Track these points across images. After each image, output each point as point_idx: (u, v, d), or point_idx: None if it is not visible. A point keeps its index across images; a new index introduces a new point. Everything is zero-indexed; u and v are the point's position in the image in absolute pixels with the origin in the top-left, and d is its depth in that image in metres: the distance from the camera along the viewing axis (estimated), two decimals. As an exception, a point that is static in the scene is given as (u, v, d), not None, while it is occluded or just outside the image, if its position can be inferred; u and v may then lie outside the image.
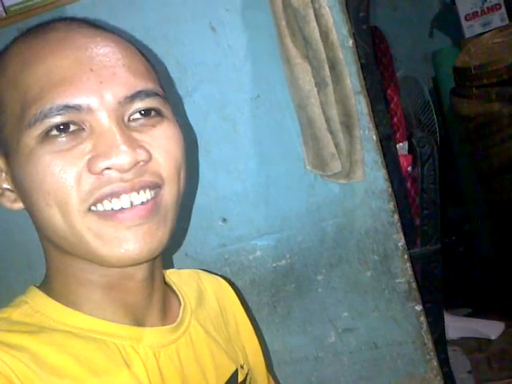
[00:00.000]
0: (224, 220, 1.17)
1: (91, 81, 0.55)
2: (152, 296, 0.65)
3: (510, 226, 2.56)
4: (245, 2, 1.08)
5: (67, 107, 0.54)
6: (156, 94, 0.60)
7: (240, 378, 0.71)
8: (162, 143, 0.58)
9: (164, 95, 0.62)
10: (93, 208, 0.55)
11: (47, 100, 0.54)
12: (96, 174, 0.54)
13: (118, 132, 0.55)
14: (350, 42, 1.06)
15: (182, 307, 0.70)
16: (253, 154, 1.13)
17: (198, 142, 1.14)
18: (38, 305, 0.60)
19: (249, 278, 1.17)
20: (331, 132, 1.04)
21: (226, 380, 0.69)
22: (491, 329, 2.27)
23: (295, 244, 1.15)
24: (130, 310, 0.63)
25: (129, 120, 0.58)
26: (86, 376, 0.55)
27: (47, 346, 0.55)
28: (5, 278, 1.17)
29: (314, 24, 1.00)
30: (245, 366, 0.74)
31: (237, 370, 0.71)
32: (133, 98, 0.57)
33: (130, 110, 0.58)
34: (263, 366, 0.81)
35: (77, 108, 0.54)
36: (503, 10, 2.59)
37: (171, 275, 0.76)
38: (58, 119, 0.54)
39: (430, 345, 1.14)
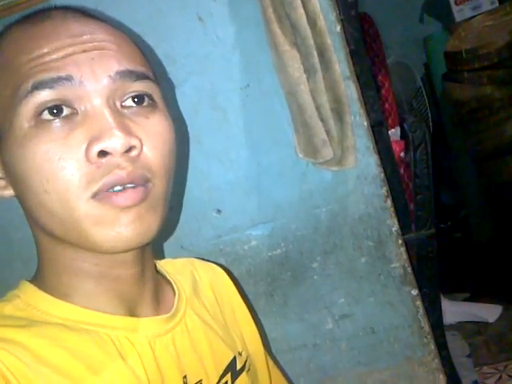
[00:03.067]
0: (218, 211, 1.17)
1: (83, 58, 0.56)
2: (144, 285, 0.65)
3: (506, 209, 2.57)
4: (231, -9, 1.08)
5: (58, 78, 0.54)
6: (147, 77, 0.60)
7: (238, 366, 0.71)
8: (152, 138, 0.58)
9: (155, 80, 0.62)
10: (95, 196, 0.55)
11: (39, 74, 0.54)
12: (94, 163, 0.54)
13: (109, 115, 0.55)
14: (338, 27, 1.06)
15: (176, 296, 0.70)
16: (244, 144, 1.13)
17: (190, 133, 1.14)
18: (29, 298, 0.60)
19: (245, 268, 1.17)
20: (322, 119, 1.04)
21: (224, 368, 0.69)
22: (489, 312, 2.29)
23: (289, 232, 1.15)
24: (123, 300, 0.63)
25: (122, 107, 0.58)
26: (80, 369, 0.54)
27: (39, 339, 0.55)
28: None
29: (301, 10, 1.00)
30: (243, 353, 0.74)
31: (235, 358, 0.71)
32: (123, 75, 0.57)
33: (122, 93, 0.58)
34: (262, 352, 0.82)
35: (68, 79, 0.54)
36: (493, -8, 2.58)
37: (165, 265, 0.76)
38: (48, 93, 0.54)
39: (427, 328, 1.15)
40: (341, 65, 1.04)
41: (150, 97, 0.60)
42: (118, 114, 0.57)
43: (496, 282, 2.46)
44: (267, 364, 0.83)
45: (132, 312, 0.63)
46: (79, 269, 0.60)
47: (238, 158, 1.14)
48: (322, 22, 1.02)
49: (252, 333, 0.81)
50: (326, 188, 1.12)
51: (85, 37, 0.57)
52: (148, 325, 0.63)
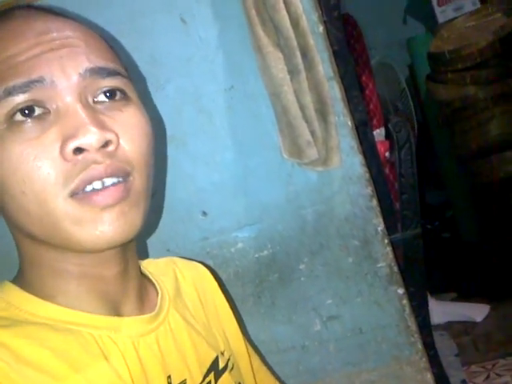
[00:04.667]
0: (204, 213, 1.16)
1: (52, 57, 0.55)
2: (127, 285, 0.64)
3: (492, 209, 2.58)
4: (214, -8, 1.08)
5: (30, 82, 0.54)
6: (118, 73, 0.59)
7: (221, 365, 0.71)
8: (129, 130, 0.58)
9: (127, 76, 0.61)
10: (73, 195, 0.54)
11: (10, 79, 0.54)
12: (70, 161, 0.54)
13: (83, 112, 0.55)
14: (321, 28, 1.06)
15: (159, 296, 0.69)
16: (229, 145, 1.13)
17: (174, 135, 1.13)
18: (12, 299, 0.59)
19: (232, 270, 1.17)
20: (306, 120, 1.04)
21: (207, 367, 0.69)
22: (476, 312, 2.30)
23: (276, 234, 1.15)
24: (107, 299, 0.62)
25: (94, 102, 0.57)
26: (63, 368, 0.54)
27: (22, 339, 0.54)
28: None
29: (283, 12, 1.00)
30: (225, 353, 0.74)
31: (217, 357, 0.71)
32: (93, 72, 0.57)
33: (93, 89, 0.57)
34: (245, 351, 0.81)
35: (40, 81, 0.54)
36: (474, -7, 2.61)
37: (148, 265, 0.75)
38: (21, 97, 0.54)
39: (414, 327, 1.15)
40: (324, 65, 1.05)
41: (123, 91, 0.60)
42: (91, 109, 0.56)
43: (483, 281, 2.48)
44: (251, 363, 0.82)
45: (116, 311, 0.63)
46: (62, 269, 0.60)
47: (223, 160, 1.14)
48: (304, 23, 1.02)
49: (235, 332, 0.81)
50: (312, 189, 1.12)
51: (51, 34, 0.57)
52: (131, 324, 0.62)
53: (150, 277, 0.73)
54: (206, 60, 1.11)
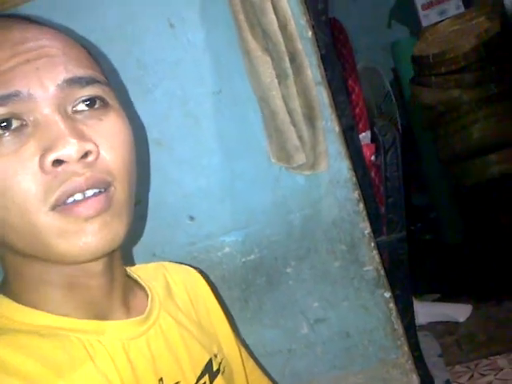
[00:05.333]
0: (191, 218, 1.16)
1: (28, 69, 0.54)
2: (113, 293, 0.64)
3: (474, 211, 2.62)
4: (202, -3, 1.07)
5: (6, 96, 0.53)
6: (97, 81, 0.58)
7: (214, 367, 0.71)
8: (109, 140, 0.57)
9: (107, 83, 0.60)
10: (54, 207, 0.54)
11: None
12: (49, 173, 0.53)
13: (61, 123, 0.54)
14: (309, 33, 1.07)
15: (149, 300, 0.69)
16: (217, 149, 1.13)
17: (161, 139, 1.13)
18: None
19: (219, 275, 1.17)
20: (294, 124, 1.04)
21: (201, 369, 0.69)
22: (459, 312, 2.33)
23: (263, 238, 1.15)
24: (93, 306, 0.62)
25: (73, 112, 0.57)
26: (48, 376, 0.53)
27: (9, 348, 0.54)
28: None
29: (272, 16, 1.00)
30: (218, 355, 0.74)
31: (211, 359, 0.71)
32: (72, 82, 0.56)
33: (72, 99, 0.56)
34: (237, 353, 0.81)
35: (16, 94, 0.53)
36: (458, -3, 2.64)
37: (137, 270, 0.75)
38: None
39: (401, 330, 1.16)
40: (312, 70, 1.05)
41: (102, 99, 0.59)
42: (70, 119, 0.55)
43: (466, 282, 2.51)
44: (243, 365, 0.82)
45: (103, 317, 0.63)
46: (47, 281, 0.59)
47: (210, 164, 1.14)
48: (292, 28, 1.02)
49: (227, 334, 0.81)
50: (299, 193, 1.12)
51: (28, 44, 0.56)
52: (120, 327, 0.62)
53: (140, 281, 0.72)
54: (194, 64, 1.11)
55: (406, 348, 1.17)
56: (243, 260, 1.16)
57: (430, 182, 3.14)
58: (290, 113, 1.03)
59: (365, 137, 1.48)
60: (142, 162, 1.10)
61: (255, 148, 1.12)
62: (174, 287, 0.76)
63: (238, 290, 1.17)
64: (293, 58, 1.03)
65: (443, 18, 2.62)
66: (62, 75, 0.55)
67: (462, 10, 2.62)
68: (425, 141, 2.94)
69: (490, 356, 1.98)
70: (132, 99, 1.09)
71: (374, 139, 1.47)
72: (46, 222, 0.54)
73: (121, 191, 0.58)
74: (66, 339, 0.57)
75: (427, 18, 2.68)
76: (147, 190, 1.13)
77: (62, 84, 0.55)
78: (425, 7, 2.68)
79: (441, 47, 2.39)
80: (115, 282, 0.65)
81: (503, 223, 2.50)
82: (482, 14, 2.42)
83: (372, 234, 1.13)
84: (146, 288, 0.72)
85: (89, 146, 0.54)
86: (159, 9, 1.09)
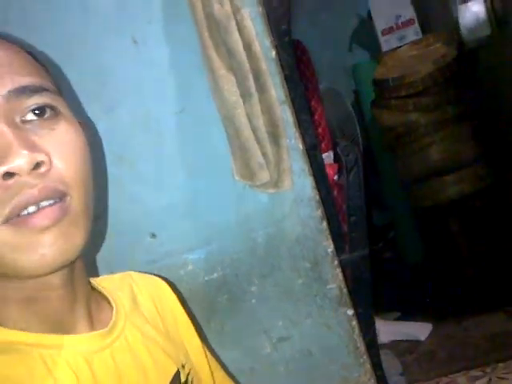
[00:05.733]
0: (153, 235, 1.15)
1: None
2: (75, 305, 0.63)
3: (433, 231, 2.67)
4: (167, 14, 1.08)
5: None
6: (45, 89, 0.57)
7: (182, 379, 0.70)
8: (61, 148, 0.56)
9: (56, 90, 0.59)
10: (7, 221, 0.52)
11: None
12: (0, 187, 0.52)
13: (10, 134, 0.53)
14: (273, 53, 1.08)
15: (114, 312, 0.68)
16: (180, 167, 1.12)
17: (123, 156, 1.12)
18: None
19: (181, 294, 1.15)
20: (258, 142, 1.05)
21: (169, 381, 0.67)
22: (420, 330, 2.35)
23: (227, 256, 1.14)
24: (54, 320, 0.60)
25: (23, 122, 0.55)
26: None
27: None
28: None
29: (236, 35, 1.01)
30: (186, 366, 0.72)
31: (178, 371, 0.70)
32: (17, 92, 0.55)
33: (20, 108, 0.55)
34: (206, 364, 0.80)
35: None
36: (416, 24, 2.73)
37: (102, 282, 0.73)
38: None
39: (363, 348, 1.16)
40: (276, 89, 1.06)
41: (52, 107, 0.58)
42: (19, 130, 0.54)
43: (425, 300, 2.54)
44: (213, 376, 0.81)
45: (66, 331, 0.61)
46: (5, 296, 0.58)
47: (173, 181, 1.13)
48: (257, 48, 1.03)
49: (195, 344, 0.80)
50: (263, 211, 1.12)
51: None
52: (82, 341, 0.61)
53: (104, 292, 0.71)
54: (157, 81, 1.10)
55: (368, 366, 1.17)
56: (206, 278, 1.15)
57: (390, 201, 3.20)
58: (254, 131, 1.04)
59: (328, 156, 1.50)
60: (101, 177, 1.08)
61: (219, 165, 1.12)
62: (140, 298, 0.75)
63: (200, 309, 1.15)
64: (257, 78, 1.04)
65: (402, 44, 2.70)
66: (7, 86, 0.54)
67: (420, 36, 2.70)
68: (384, 161, 3.00)
69: (450, 374, 2.00)
70: (93, 115, 1.08)
71: (336, 159, 1.50)
72: (0, 236, 0.52)
73: (77, 200, 0.56)
74: (27, 355, 0.56)
75: (387, 42, 2.75)
76: (106, 206, 1.11)
77: (7, 95, 0.54)
78: (385, 32, 2.76)
79: (400, 71, 2.46)
80: (77, 294, 0.63)
81: (460, 244, 2.56)
82: (440, 40, 2.51)
83: (335, 252, 1.14)
84: (111, 299, 0.70)
85: (40, 157, 0.53)
86: (122, 25, 1.08)
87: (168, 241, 1.14)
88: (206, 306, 1.16)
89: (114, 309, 0.68)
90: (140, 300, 0.75)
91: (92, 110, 1.08)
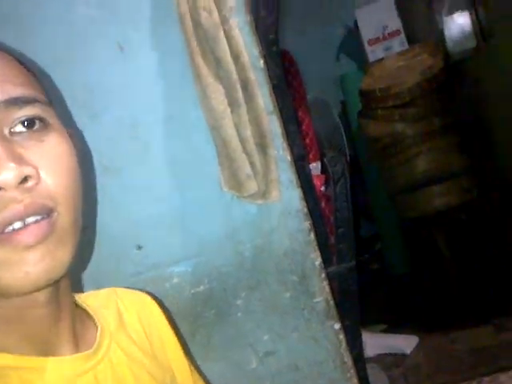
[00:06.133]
0: (139, 247, 1.12)
1: None
2: (60, 324, 0.60)
3: (420, 243, 2.66)
4: (154, 21, 1.06)
5: None
6: (36, 101, 0.56)
7: None
8: (50, 162, 0.54)
9: (46, 101, 0.58)
10: None
11: None
12: None
13: None
14: (261, 62, 1.07)
15: (98, 332, 0.65)
16: (167, 177, 1.11)
17: (109, 166, 1.10)
18: None
19: (166, 307, 1.13)
20: (246, 152, 1.03)
21: None
22: (406, 343, 2.34)
23: (213, 269, 1.12)
24: (37, 341, 0.58)
25: (11, 134, 0.54)
26: None
27: None
28: None
29: (224, 45, 1.00)
30: None
31: None
32: (7, 104, 0.53)
33: (9, 120, 0.54)
34: (191, 382, 0.78)
35: None
36: (403, 35, 2.75)
37: (86, 299, 0.71)
38: None
39: (350, 362, 1.15)
40: (264, 99, 1.05)
41: (42, 119, 0.56)
42: (7, 142, 0.52)
43: (411, 313, 2.53)
44: None
45: (49, 352, 0.58)
46: None
47: (160, 192, 1.11)
48: (245, 57, 1.02)
49: (181, 364, 0.78)
50: (251, 223, 1.11)
51: None
52: (66, 364, 0.58)
53: (89, 311, 0.68)
54: (144, 89, 1.09)
55: (355, 380, 1.16)
56: (192, 291, 1.13)
57: (376, 212, 3.19)
58: (241, 141, 1.03)
59: (315, 167, 1.49)
60: (89, 186, 1.06)
61: (207, 176, 1.10)
62: (126, 316, 0.73)
63: (186, 323, 1.13)
64: (245, 87, 1.03)
65: (389, 54, 2.71)
66: None
67: (407, 46, 2.72)
68: (371, 172, 3.00)
69: (436, 387, 2.00)
70: (79, 123, 1.06)
71: (323, 170, 1.48)
72: None
73: (65, 216, 0.55)
74: (7, 378, 0.53)
75: (373, 53, 2.77)
76: (94, 216, 1.09)
77: None
78: (371, 43, 2.77)
79: (387, 82, 2.46)
80: (62, 313, 0.61)
81: (446, 255, 2.56)
82: (426, 51, 2.52)
83: (322, 265, 1.13)
84: (96, 319, 0.68)
85: (27, 171, 0.51)
86: (109, 31, 1.07)
87: (154, 253, 1.12)
88: (192, 320, 1.13)
89: (99, 328, 0.66)
90: (126, 319, 0.72)
91: (78, 118, 1.06)
